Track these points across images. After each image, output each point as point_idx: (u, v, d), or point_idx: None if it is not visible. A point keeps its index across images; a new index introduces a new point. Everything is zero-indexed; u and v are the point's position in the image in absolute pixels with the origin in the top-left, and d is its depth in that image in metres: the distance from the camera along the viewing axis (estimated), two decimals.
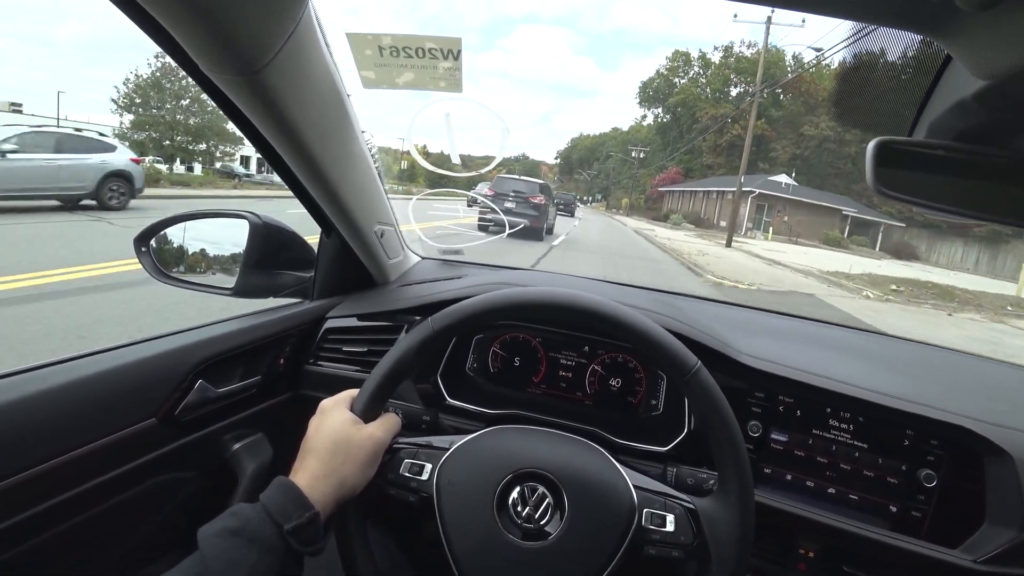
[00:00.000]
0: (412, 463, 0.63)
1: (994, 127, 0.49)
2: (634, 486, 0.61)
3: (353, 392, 0.65)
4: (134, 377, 0.72)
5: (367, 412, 0.62)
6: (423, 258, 1.33)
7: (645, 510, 0.60)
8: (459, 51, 0.70)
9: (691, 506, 0.61)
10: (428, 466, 0.62)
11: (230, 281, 1.00)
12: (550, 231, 12.49)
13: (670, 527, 0.59)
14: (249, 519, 0.50)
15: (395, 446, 0.65)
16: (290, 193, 0.91)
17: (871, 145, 0.51)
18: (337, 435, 0.58)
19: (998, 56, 0.41)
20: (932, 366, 1.00)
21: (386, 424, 0.62)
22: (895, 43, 0.48)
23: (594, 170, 76.55)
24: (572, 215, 26.69)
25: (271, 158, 0.79)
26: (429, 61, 0.71)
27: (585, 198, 71.91)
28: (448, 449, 0.64)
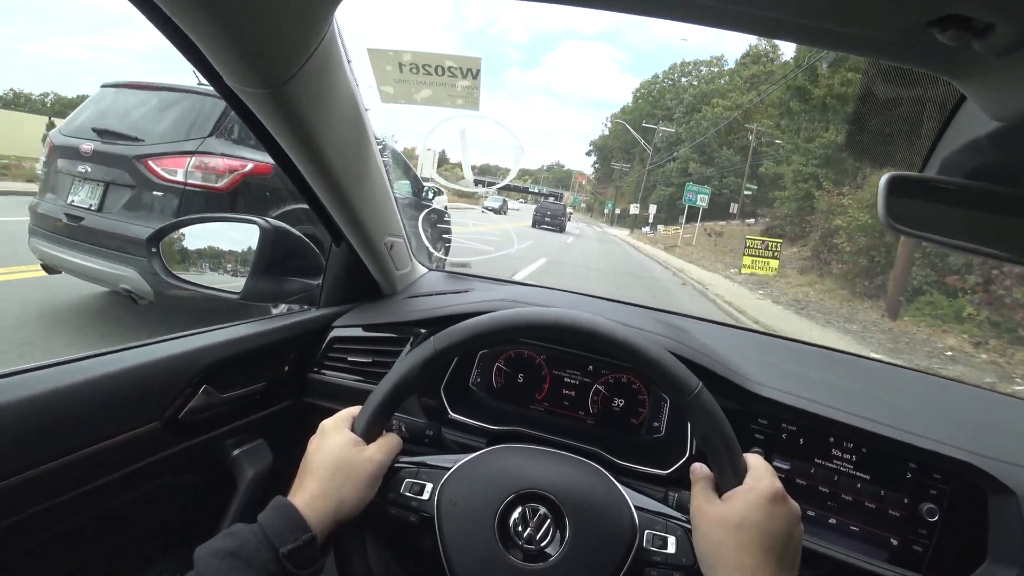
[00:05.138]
0: (413, 482, 0.62)
1: (1006, 166, 0.50)
2: (635, 507, 0.61)
3: (354, 411, 0.64)
4: (140, 380, 0.72)
5: (368, 433, 0.62)
6: (430, 269, 1.34)
7: (646, 531, 0.59)
8: (478, 70, 0.71)
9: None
10: (429, 486, 0.62)
11: (238, 285, 1.00)
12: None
13: (671, 548, 0.58)
14: (246, 541, 0.49)
15: (396, 465, 0.64)
16: None
17: (883, 179, 0.52)
18: (337, 457, 0.58)
19: (1013, 100, 0.41)
20: (938, 398, 0.99)
21: (387, 445, 0.62)
22: (910, 82, 0.49)
23: (666, 133, 35.15)
24: (562, 230, 21.37)
25: (288, 168, 0.80)
26: (448, 79, 0.72)
27: (647, 225, 28.65)
28: (449, 468, 0.63)
